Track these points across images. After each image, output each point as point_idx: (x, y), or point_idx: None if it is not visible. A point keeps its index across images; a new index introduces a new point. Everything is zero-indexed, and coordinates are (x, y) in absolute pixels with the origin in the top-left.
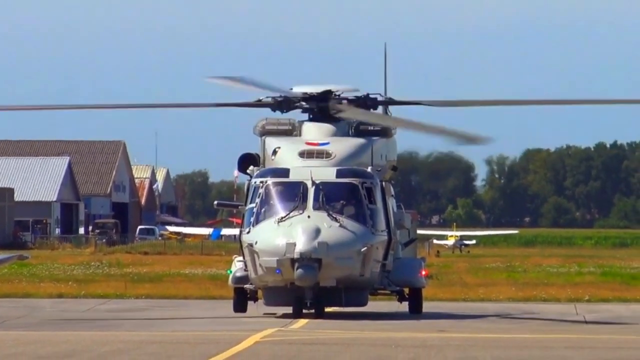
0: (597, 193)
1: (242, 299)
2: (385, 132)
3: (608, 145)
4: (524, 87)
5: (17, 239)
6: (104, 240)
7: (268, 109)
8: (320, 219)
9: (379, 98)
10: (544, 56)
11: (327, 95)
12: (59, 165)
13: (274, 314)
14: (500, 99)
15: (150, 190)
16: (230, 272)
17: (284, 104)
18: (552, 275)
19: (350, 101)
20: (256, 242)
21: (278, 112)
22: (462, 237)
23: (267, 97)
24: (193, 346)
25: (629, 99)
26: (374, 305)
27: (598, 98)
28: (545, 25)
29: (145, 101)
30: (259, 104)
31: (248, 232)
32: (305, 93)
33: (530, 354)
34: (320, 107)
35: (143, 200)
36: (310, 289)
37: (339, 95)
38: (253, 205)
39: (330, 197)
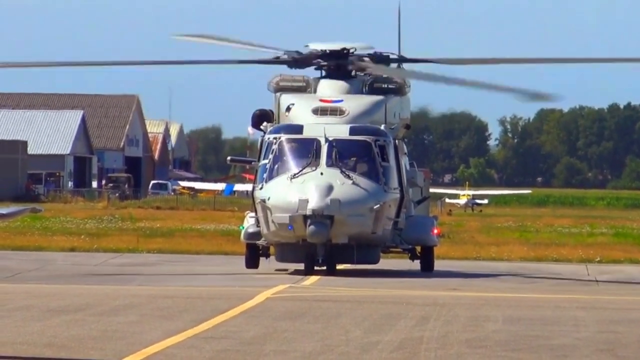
0: (610, 154)
1: (254, 254)
2: (399, 90)
3: (621, 107)
4: (537, 45)
5: (30, 191)
6: (116, 194)
7: (284, 66)
8: (333, 176)
9: (392, 56)
10: (559, 14)
11: (343, 52)
12: (72, 118)
13: (286, 270)
14: (512, 57)
15: (164, 145)
16: (243, 227)
17: (301, 61)
18: (564, 235)
19: (369, 58)
20: (269, 198)
21: (291, 69)
22: (475, 196)
23: (284, 53)
24: (205, 301)
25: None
26: (385, 263)
27: (609, 57)
28: None
29: (160, 57)
30: (276, 60)
31: (261, 188)
32: (323, 50)
33: (542, 314)
34: (337, 64)
35: (156, 155)
36: (322, 246)
37: (354, 53)
38: (266, 161)
39: (343, 154)
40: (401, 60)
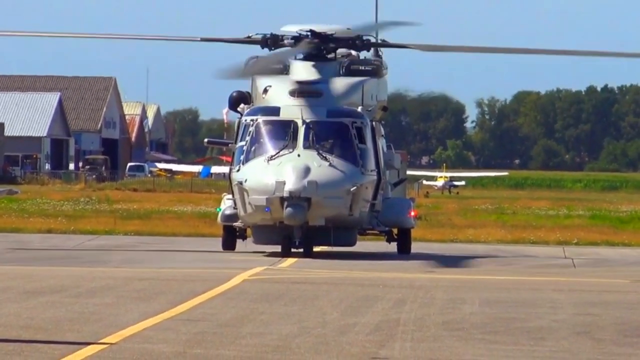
0: (587, 136)
1: (231, 237)
2: (376, 72)
3: (599, 89)
4: (518, 32)
5: (7, 173)
6: (93, 176)
7: (257, 47)
8: (310, 158)
9: (372, 40)
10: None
11: (320, 34)
12: (49, 100)
13: (263, 252)
14: (488, 46)
15: (141, 127)
16: (220, 210)
17: (274, 42)
18: (541, 217)
19: (343, 41)
20: (246, 180)
21: (266, 50)
22: (452, 179)
23: (256, 34)
24: (181, 283)
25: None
26: (362, 245)
27: (588, 50)
28: None
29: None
30: (248, 40)
31: (238, 170)
32: (298, 32)
33: (519, 296)
34: (316, 46)
35: (133, 137)
36: (299, 228)
37: (331, 35)
38: (243, 143)
39: (320, 136)
40: (380, 45)
